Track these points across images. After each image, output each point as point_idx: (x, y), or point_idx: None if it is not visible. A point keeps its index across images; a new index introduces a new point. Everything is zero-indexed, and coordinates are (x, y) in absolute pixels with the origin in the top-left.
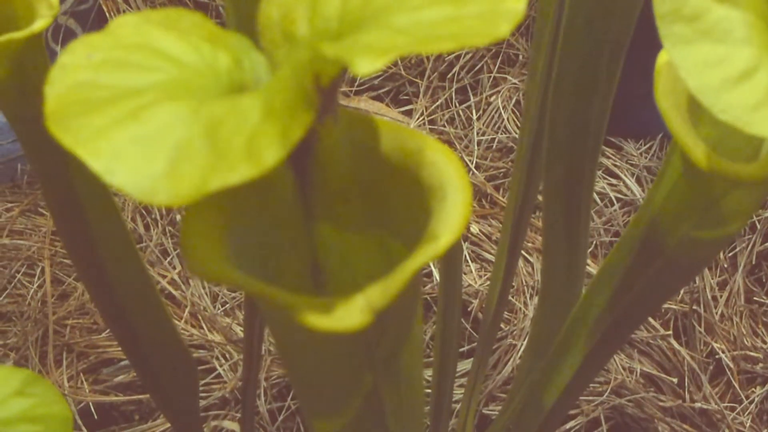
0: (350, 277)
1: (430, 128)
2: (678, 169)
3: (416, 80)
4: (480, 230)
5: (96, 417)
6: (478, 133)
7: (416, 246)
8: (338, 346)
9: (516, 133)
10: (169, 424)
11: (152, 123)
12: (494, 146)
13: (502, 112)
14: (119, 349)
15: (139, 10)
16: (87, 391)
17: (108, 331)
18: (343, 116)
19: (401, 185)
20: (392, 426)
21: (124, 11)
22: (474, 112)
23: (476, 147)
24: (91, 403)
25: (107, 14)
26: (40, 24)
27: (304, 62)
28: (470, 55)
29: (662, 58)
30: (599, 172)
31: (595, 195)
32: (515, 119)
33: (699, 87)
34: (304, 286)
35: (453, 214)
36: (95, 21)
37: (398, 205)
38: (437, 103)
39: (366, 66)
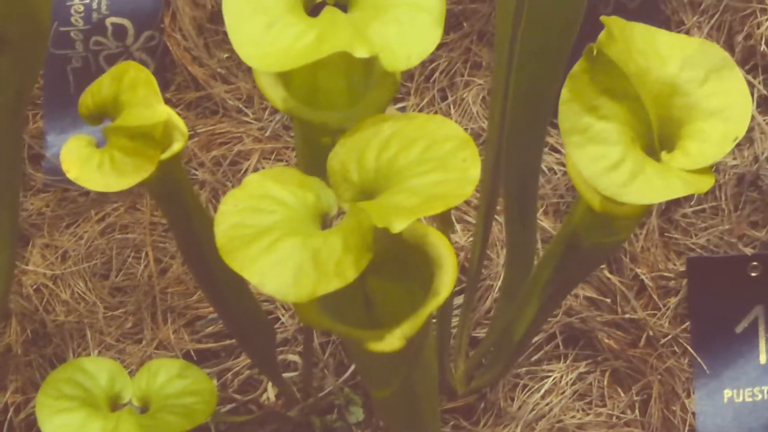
0: (389, 305)
1: None
2: (585, 205)
3: (406, 83)
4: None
5: (195, 358)
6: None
7: (427, 293)
8: (387, 356)
9: (483, 123)
10: (249, 360)
11: (281, 253)
12: (468, 132)
13: (472, 107)
14: (207, 307)
15: (197, 45)
16: (187, 340)
17: (198, 293)
18: None
19: (416, 255)
20: (419, 390)
21: (184, 47)
22: (452, 107)
23: None
24: (191, 349)
25: (170, 48)
26: (177, 146)
27: (365, 225)
28: (446, 62)
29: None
30: (545, 149)
31: (543, 167)
32: (482, 112)
33: (589, 174)
34: (359, 312)
35: (447, 278)
36: (161, 54)
37: (415, 266)
38: (424, 101)
39: (399, 227)
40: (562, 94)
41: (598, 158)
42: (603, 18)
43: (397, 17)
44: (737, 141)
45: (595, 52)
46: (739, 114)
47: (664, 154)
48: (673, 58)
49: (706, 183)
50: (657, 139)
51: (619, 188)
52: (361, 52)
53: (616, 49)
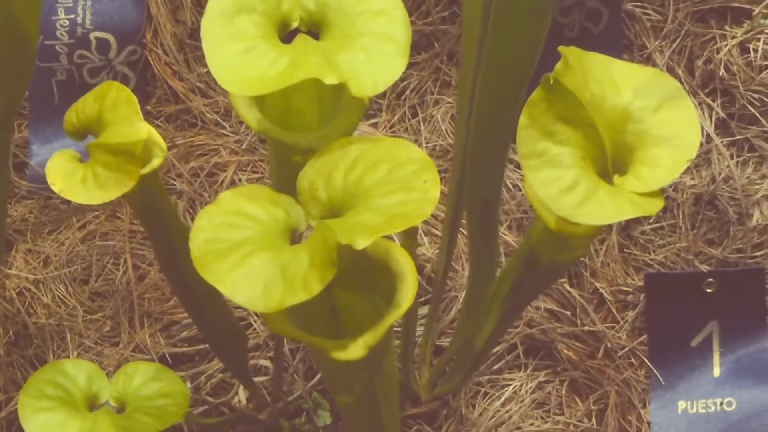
0: (354, 316)
1: (391, 134)
2: (542, 224)
3: (379, 101)
4: (431, 213)
5: (170, 361)
6: (425, 140)
7: (389, 306)
8: (350, 364)
9: (451, 139)
10: (221, 364)
11: (251, 267)
12: (437, 149)
13: (441, 124)
14: (183, 313)
15: (177, 60)
16: (163, 344)
17: (174, 299)
18: None
19: (379, 269)
20: (380, 397)
21: (165, 61)
22: (422, 123)
23: (424, 149)
24: (166, 353)
25: (152, 62)
26: (156, 162)
27: (331, 243)
28: (417, 81)
29: None
30: (510, 166)
31: (509, 183)
32: (451, 129)
33: (545, 196)
34: (326, 322)
35: (408, 291)
36: (143, 68)
37: (378, 279)
38: (396, 117)
39: (362, 244)
40: (520, 120)
41: (554, 181)
42: (561, 48)
43: (365, 46)
44: (688, 164)
45: (551, 81)
46: (690, 141)
47: (616, 178)
48: (627, 86)
49: (655, 205)
50: (611, 163)
51: (573, 209)
52: (330, 79)
53: (573, 78)
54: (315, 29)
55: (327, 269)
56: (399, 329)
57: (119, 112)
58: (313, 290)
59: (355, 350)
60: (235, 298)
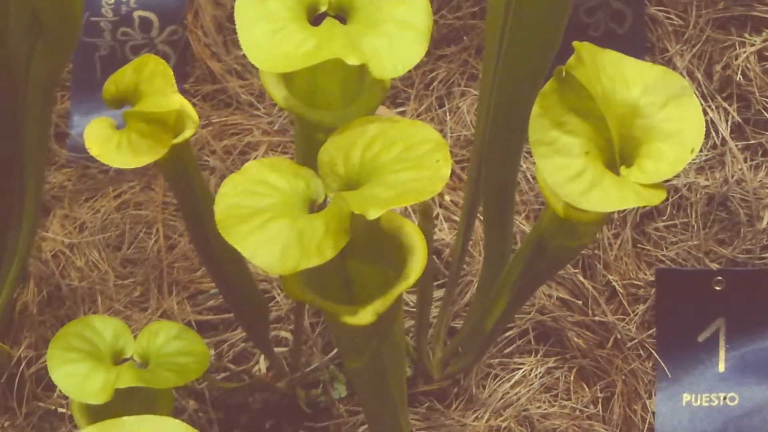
0: (366, 286)
1: None
2: (551, 211)
3: (408, 90)
4: (451, 200)
5: (195, 328)
6: (450, 130)
7: (399, 277)
8: (360, 329)
9: None
10: (244, 334)
11: (271, 231)
12: (461, 139)
13: (466, 115)
14: (209, 282)
15: (216, 42)
16: (189, 311)
17: (202, 269)
18: None
19: (392, 243)
20: (388, 364)
21: (204, 43)
22: (448, 114)
23: (449, 139)
24: (192, 320)
25: (192, 43)
26: (188, 133)
27: (345, 212)
28: (445, 73)
29: None
30: (531, 159)
31: (528, 175)
32: (475, 120)
33: (553, 183)
34: (341, 290)
35: (417, 265)
36: (183, 48)
37: (390, 252)
38: (423, 107)
39: (374, 215)
40: (533, 109)
41: (562, 168)
42: (575, 43)
43: (387, 32)
44: (692, 158)
45: (563, 74)
46: (693, 138)
47: (623, 169)
48: (637, 83)
49: (657, 197)
50: (618, 154)
51: (578, 196)
52: (352, 60)
53: (585, 71)
54: (342, 14)
55: (340, 237)
56: (414, 309)
57: (155, 84)
58: (327, 255)
59: (365, 316)
60: (255, 260)
